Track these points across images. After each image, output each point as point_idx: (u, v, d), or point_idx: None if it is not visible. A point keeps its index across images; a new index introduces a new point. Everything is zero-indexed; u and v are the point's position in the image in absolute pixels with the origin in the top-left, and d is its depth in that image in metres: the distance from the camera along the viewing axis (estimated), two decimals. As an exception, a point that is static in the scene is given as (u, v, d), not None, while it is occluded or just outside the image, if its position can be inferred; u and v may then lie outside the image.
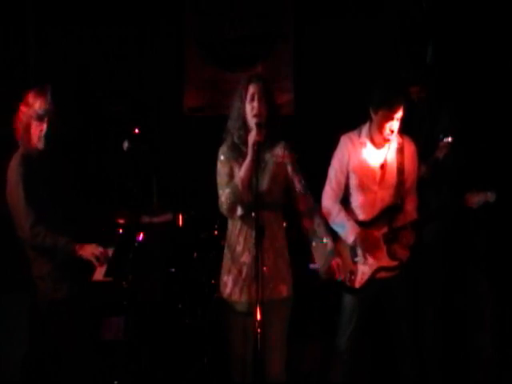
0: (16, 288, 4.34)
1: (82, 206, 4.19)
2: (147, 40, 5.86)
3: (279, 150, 3.78)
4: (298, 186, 3.81)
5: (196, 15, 6.00)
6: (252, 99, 3.69)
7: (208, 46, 6.01)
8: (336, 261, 3.82)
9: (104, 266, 4.15)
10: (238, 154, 3.75)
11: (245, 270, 3.74)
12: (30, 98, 3.95)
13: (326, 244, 3.80)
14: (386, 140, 4.14)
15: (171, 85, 5.92)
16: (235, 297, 3.76)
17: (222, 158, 3.77)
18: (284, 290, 3.78)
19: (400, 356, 4.33)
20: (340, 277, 3.85)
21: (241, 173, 3.65)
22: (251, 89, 3.69)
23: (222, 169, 3.76)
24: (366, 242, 4.16)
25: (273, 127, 3.71)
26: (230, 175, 3.73)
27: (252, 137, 3.60)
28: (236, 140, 3.75)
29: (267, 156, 3.75)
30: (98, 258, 3.89)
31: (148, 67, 5.85)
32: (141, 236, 4.59)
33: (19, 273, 4.04)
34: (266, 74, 5.79)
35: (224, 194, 3.70)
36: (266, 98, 3.69)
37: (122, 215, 4.83)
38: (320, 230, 3.82)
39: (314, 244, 3.82)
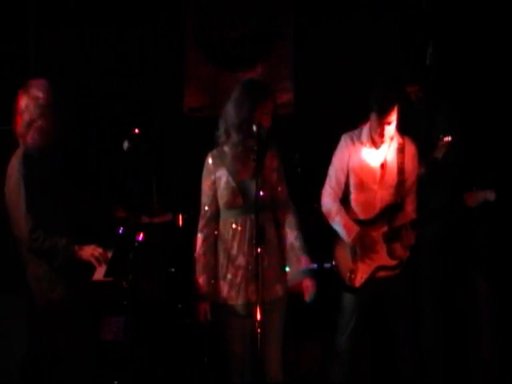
0: (16, 288, 4.34)
1: (81, 206, 4.18)
2: (147, 40, 5.86)
3: (268, 156, 3.83)
4: (282, 195, 3.88)
5: (196, 15, 5.99)
6: (264, 112, 3.74)
7: (208, 46, 6.00)
8: (307, 283, 3.83)
9: (104, 266, 4.14)
10: (225, 154, 3.82)
11: (240, 273, 3.77)
12: (33, 91, 3.84)
13: (300, 261, 3.84)
14: (382, 141, 4.14)
15: (171, 85, 5.91)
16: (232, 301, 3.79)
17: (210, 162, 3.85)
18: (279, 290, 3.82)
19: (400, 356, 4.33)
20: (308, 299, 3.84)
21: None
22: (269, 104, 3.77)
23: (205, 178, 3.88)
24: (364, 242, 4.16)
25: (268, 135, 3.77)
26: (211, 188, 3.84)
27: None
28: (233, 132, 3.78)
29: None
30: (97, 259, 3.88)
31: (148, 67, 5.85)
32: (141, 236, 4.58)
33: (19, 273, 4.02)
34: (266, 74, 5.82)
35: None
36: (273, 114, 3.79)
37: (122, 215, 4.82)
38: (298, 244, 3.86)
39: (289, 256, 3.86)
